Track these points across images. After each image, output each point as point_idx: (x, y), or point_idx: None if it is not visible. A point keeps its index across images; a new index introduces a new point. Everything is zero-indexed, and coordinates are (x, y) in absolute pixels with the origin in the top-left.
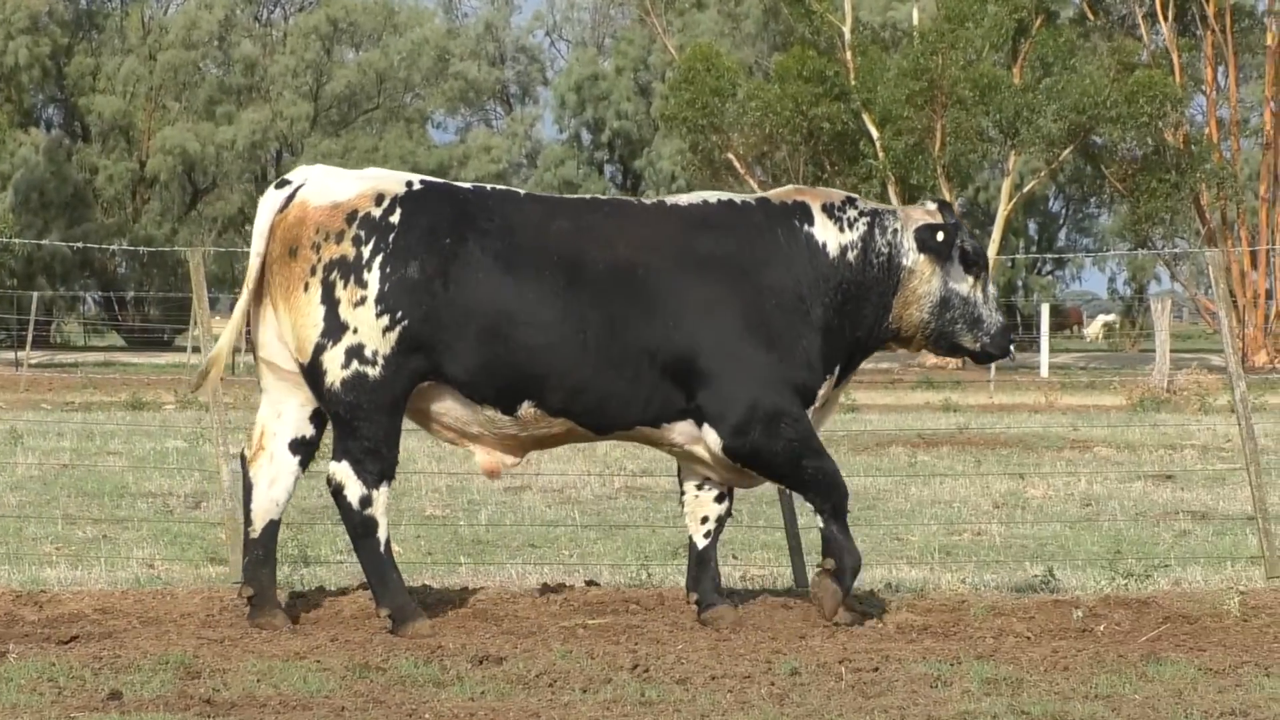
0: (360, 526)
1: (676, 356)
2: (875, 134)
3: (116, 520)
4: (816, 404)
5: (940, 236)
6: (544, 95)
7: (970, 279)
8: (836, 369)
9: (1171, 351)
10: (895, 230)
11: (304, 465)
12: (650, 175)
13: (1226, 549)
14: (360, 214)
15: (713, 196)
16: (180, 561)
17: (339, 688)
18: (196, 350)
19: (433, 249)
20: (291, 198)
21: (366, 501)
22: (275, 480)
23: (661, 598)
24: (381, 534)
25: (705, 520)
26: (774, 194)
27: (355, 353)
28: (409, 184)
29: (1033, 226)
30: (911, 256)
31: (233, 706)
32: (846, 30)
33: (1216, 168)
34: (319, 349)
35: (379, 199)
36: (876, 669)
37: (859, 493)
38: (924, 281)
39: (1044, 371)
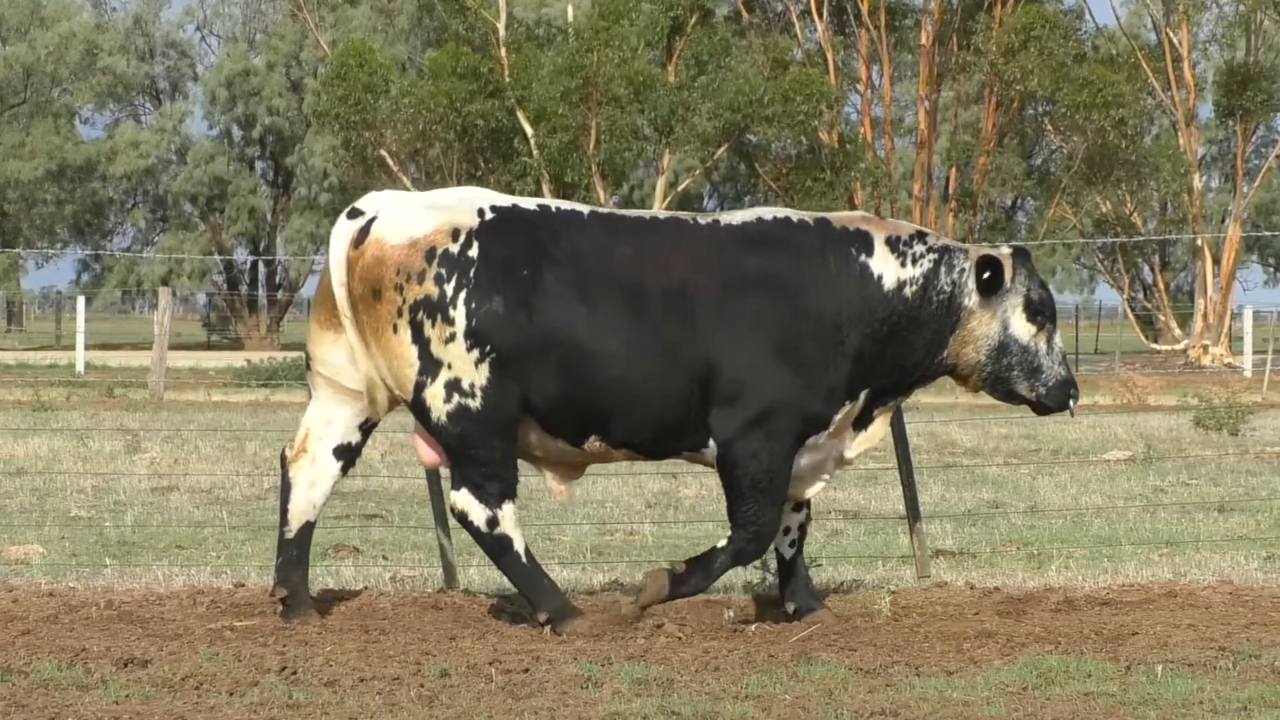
0: (495, 546)
1: (713, 377)
2: (530, 131)
3: None
4: (829, 429)
5: (987, 275)
6: (194, 91)
7: (1034, 328)
8: (863, 394)
9: None
10: (962, 270)
11: (344, 471)
12: (302, 172)
13: (878, 548)
14: (439, 250)
15: (768, 214)
16: None
17: None
18: None
19: (511, 280)
20: (366, 230)
21: (494, 522)
22: (315, 483)
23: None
24: (519, 547)
25: (788, 530)
26: (837, 216)
27: (454, 386)
28: (480, 213)
29: None
30: (974, 297)
31: None
32: (501, 27)
33: (871, 166)
34: (419, 386)
35: (455, 233)
36: (527, 670)
37: None
38: (983, 324)
39: None
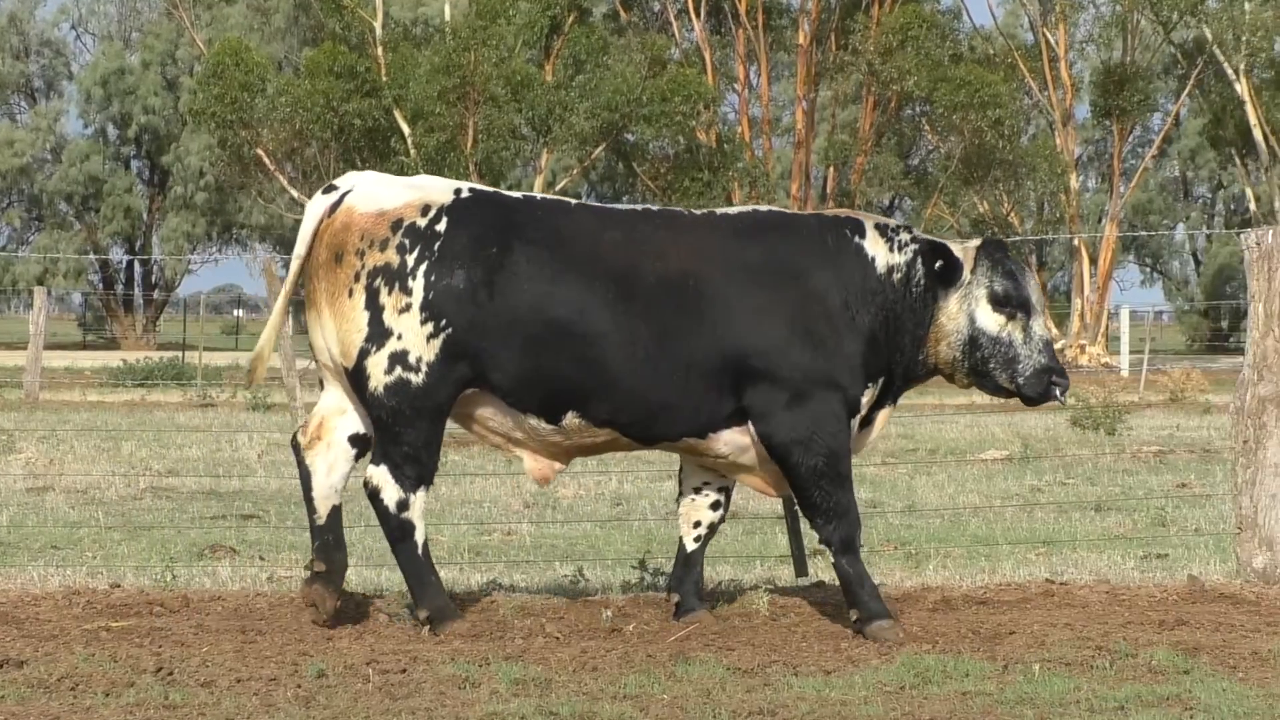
0: (397, 530)
1: (724, 361)
2: (407, 130)
3: None
4: (861, 411)
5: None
6: (69, 89)
7: (1002, 319)
8: (878, 382)
9: None
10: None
11: (358, 458)
12: (178, 171)
13: (756, 548)
14: (406, 222)
15: (764, 207)
16: None
17: None
18: None
19: (478, 258)
20: (339, 204)
21: (403, 505)
22: (333, 467)
23: (186, 600)
24: (419, 537)
25: (698, 525)
26: (828, 210)
27: (399, 358)
28: (457, 193)
29: None
30: (940, 291)
31: None
32: (377, 26)
33: (748, 166)
34: (363, 354)
35: (425, 208)
36: (404, 670)
37: None
38: (950, 318)
39: None
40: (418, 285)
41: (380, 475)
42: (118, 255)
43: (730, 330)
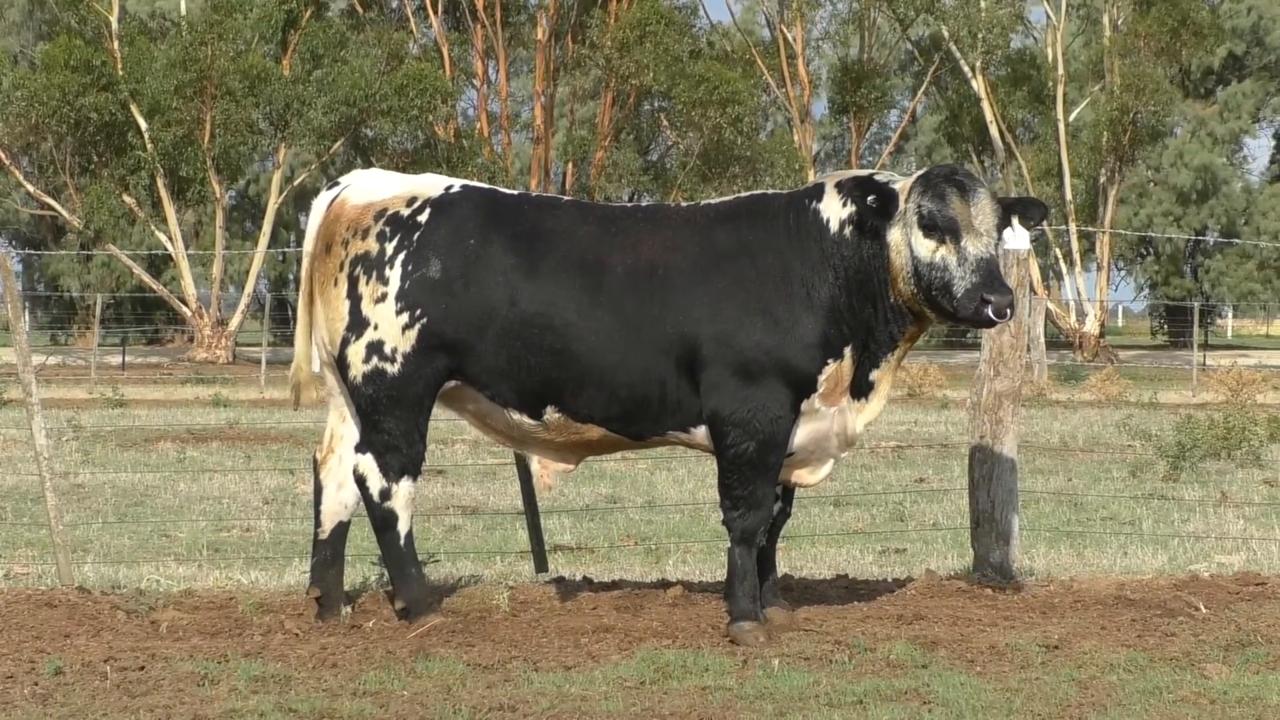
0: (380, 519)
1: (689, 351)
2: (144, 125)
3: None
4: (819, 389)
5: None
6: None
7: (932, 244)
8: (846, 351)
9: None
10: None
11: None
12: None
13: (496, 543)
14: (389, 212)
15: (747, 193)
16: None
17: None
18: None
19: (455, 250)
20: (336, 198)
21: (386, 495)
22: (343, 484)
23: None
24: (402, 527)
25: None
26: (805, 185)
27: (375, 348)
28: (448, 188)
29: (305, 219)
30: (890, 230)
31: None
32: (114, 19)
33: (488, 161)
34: (344, 342)
35: (411, 200)
36: (143, 668)
37: (126, 490)
38: (898, 253)
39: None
40: (394, 275)
41: (365, 464)
42: None
43: (689, 317)
